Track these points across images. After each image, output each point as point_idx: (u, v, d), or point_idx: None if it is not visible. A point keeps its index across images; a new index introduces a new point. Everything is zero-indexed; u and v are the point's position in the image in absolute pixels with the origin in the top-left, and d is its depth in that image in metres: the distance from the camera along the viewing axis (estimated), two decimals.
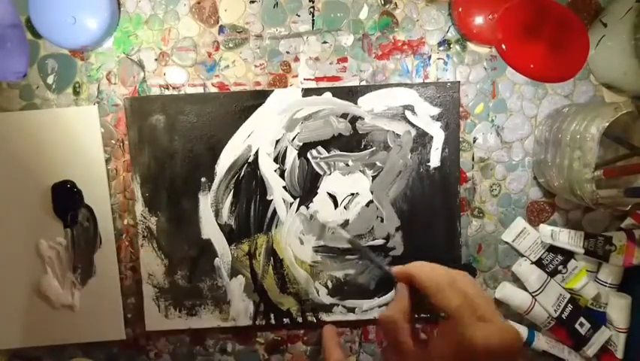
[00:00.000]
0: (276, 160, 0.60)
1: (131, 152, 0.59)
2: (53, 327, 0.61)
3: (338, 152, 0.59)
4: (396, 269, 0.43)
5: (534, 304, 0.60)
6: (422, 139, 0.59)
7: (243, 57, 0.60)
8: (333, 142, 0.59)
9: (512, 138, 0.61)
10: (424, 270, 0.40)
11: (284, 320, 0.61)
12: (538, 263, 0.61)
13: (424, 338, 0.39)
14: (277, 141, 0.59)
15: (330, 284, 0.61)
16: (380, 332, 0.41)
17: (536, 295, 0.60)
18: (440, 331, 0.37)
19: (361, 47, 0.60)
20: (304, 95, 0.59)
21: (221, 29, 0.60)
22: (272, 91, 0.59)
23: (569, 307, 0.59)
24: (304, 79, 0.60)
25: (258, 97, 0.59)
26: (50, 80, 0.60)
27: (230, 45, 0.60)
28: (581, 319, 0.59)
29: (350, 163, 0.59)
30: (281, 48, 0.60)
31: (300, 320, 0.61)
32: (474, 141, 0.61)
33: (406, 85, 0.59)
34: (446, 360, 0.36)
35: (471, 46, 0.60)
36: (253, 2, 0.59)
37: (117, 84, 0.60)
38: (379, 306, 0.61)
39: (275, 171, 0.60)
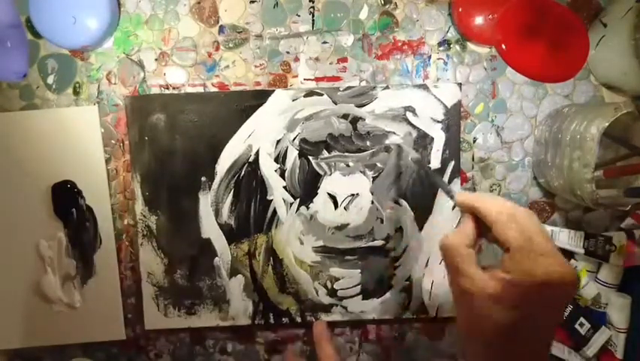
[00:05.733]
0: (276, 160, 0.60)
1: (131, 151, 0.59)
2: (53, 327, 0.61)
3: (339, 152, 0.59)
4: (459, 198, 0.42)
5: None
6: (423, 140, 0.59)
7: (242, 57, 0.60)
8: (334, 143, 0.59)
9: (512, 138, 0.61)
10: (487, 201, 0.39)
11: (283, 319, 0.62)
12: None
13: (485, 267, 0.38)
14: (278, 141, 0.59)
15: (329, 284, 0.61)
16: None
17: None
18: (502, 263, 0.37)
19: (361, 47, 0.60)
20: (305, 96, 0.59)
21: (221, 29, 0.60)
22: (273, 91, 0.59)
23: (569, 307, 0.59)
24: (304, 79, 0.60)
25: (259, 97, 0.59)
26: (50, 80, 0.60)
27: (230, 45, 0.60)
28: (581, 319, 0.59)
29: (351, 164, 0.59)
30: (281, 48, 0.60)
31: (299, 319, 0.61)
32: (474, 141, 0.61)
33: (407, 86, 0.59)
34: (505, 291, 0.35)
35: (471, 46, 0.60)
36: (253, 2, 0.59)
37: (117, 84, 0.60)
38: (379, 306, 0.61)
39: (275, 171, 0.60)
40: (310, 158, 0.59)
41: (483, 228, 0.40)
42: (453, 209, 0.60)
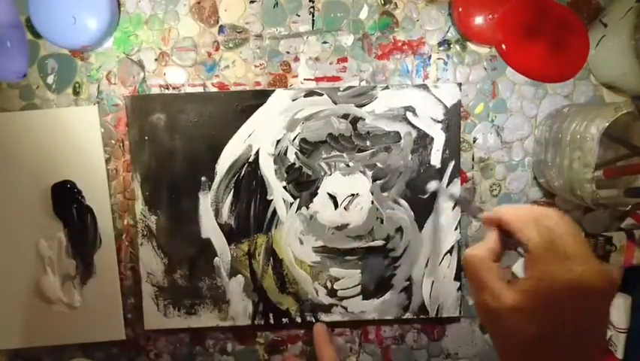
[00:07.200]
0: (276, 160, 0.60)
1: (131, 150, 0.59)
2: (53, 327, 0.61)
3: (338, 152, 0.59)
4: (484, 216, 0.41)
5: None
6: (423, 140, 0.59)
7: (243, 57, 0.60)
8: (334, 143, 0.59)
9: (512, 138, 0.61)
10: (510, 210, 0.38)
11: (283, 319, 0.61)
12: None
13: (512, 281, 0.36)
14: (278, 141, 0.59)
15: (329, 284, 0.61)
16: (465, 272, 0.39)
17: None
18: (524, 271, 0.34)
19: (361, 47, 0.60)
20: (305, 96, 0.59)
21: (221, 29, 0.60)
22: (273, 91, 0.59)
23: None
24: (304, 79, 0.60)
25: (260, 97, 0.59)
26: (50, 80, 0.60)
27: (230, 45, 0.60)
28: None
29: (351, 164, 0.59)
30: (281, 48, 0.60)
31: (298, 320, 0.61)
32: (474, 141, 0.61)
33: (407, 86, 0.59)
34: (526, 300, 0.33)
35: (471, 46, 0.60)
36: (253, 2, 0.59)
37: (117, 84, 0.60)
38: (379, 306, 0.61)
39: (275, 171, 0.60)
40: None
41: (507, 241, 0.38)
42: (453, 209, 0.60)
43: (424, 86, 0.59)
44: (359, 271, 0.61)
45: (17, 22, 0.54)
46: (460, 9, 0.57)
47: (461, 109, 0.60)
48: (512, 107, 0.61)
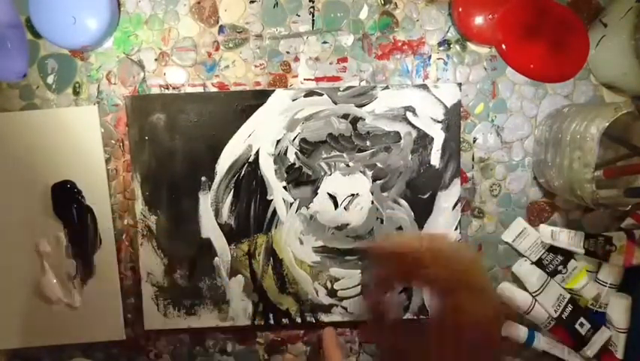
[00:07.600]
0: (276, 160, 0.59)
1: (131, 150, 0.59)
2: (53, 327, 0.61)
3: (338, 152, 0.59)
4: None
5: (534, 305, 0.60)
6: (423, 140, 0.59)
7: (242, 57, 0.60)
8: (334, 143, 0.59)
9: (512, 138, 0.61)
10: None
11: (283, 320, 0.61)
12: (538, 263, 0.60)
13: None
14: (278, 141, 0.59)
15: (329, 285, 0.61)
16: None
17: (536, 295, 0.60)
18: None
19: (361, 47, 0.60)
20: (305, 96, 0.59)
21: (221, 29, 0.60)
22: (273, 91, 0.59)
23: (569, 307, 0.59)
24: (304, 79, 0.60)
25: (260, 97, 0.59)
26: (50, 80, 0.60)
27: (230, 45, 0.60)
28: (581, 319, 0.59)
29: (351, 164, 0.59)
30: (281, 48, 0.60)
31: (298, 320, 0.61)
32: (474, 141, 0.61)
33: (407, 86, 0.59)
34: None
35: (471, 46, 0.60)
36: (253, 2, 0.59)
37: (117, 84, 0.60)
38: None
39: (275, 171, 0.60)
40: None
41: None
42: (453, 209, 0.60)
43: (424, 86, 0.59)
44: (359, 270, 0.61)
45: (17, 22, 0.54)
46: (460, 9, 0.57)
47: (461, 109, 0.60)
48: (512, 107, 0.61)
